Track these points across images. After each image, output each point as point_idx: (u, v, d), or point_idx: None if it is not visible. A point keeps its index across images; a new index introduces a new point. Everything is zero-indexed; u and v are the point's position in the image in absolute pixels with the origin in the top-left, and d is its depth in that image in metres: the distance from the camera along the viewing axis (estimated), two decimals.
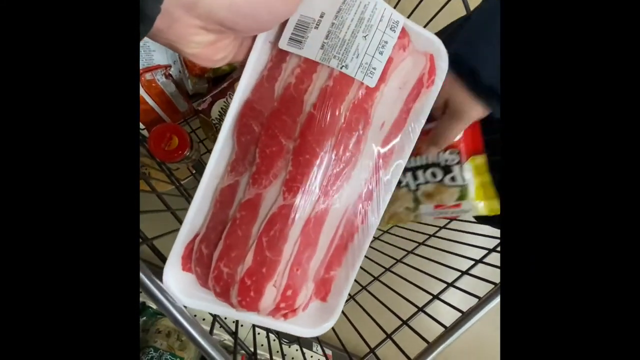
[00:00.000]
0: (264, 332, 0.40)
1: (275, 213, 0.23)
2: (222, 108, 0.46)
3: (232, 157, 0.25)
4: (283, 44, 0.24)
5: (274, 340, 0.41)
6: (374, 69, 0.24)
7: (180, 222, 0.26)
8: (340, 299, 0.28)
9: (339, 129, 0.24)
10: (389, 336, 0.33)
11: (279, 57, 0.24)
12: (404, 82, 0.26)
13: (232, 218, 0.24)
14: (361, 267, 0.47)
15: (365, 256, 0.48)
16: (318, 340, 0.38)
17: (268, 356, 0.35)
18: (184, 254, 0.25)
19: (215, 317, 0.33)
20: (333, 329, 0.37)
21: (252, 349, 0.35)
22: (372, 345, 0.33)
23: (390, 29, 0.24)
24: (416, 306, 0.35)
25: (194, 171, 0.69)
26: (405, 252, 0.48)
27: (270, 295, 0.24)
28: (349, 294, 0.41)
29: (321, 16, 0.23)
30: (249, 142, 0.24)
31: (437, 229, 0.51)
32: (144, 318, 0.70)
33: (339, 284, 0.28)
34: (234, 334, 0.32)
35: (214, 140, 0.54)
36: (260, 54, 0.25)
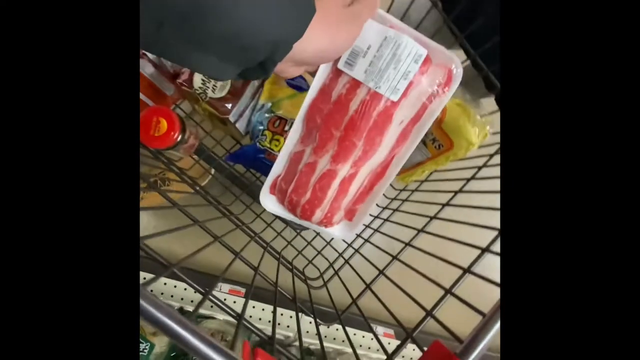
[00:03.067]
0: (288, 315, 0.42)
1: (325, 172, 0.40)
2: (203, 78, 0.45)
3: (302, 134, 0.40)
4: (341, 65, 0.36)
5: (310, 322, 0.41)
6: (399, 89, 0.35)
7: (190, 218, 0.38)
8: (360, 220, 0.45)
9: (369, 127, 0.37)
10: (449, 292, 0.30)
11: (336, 73, 0.37)
12: (422, 93, 0.37)
13: (299, 171, 0.41)
14: (395, 238, 0.46)
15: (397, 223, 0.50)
16: (364, 317, 0.36)
17: (310, 340, 0.36)
18: (271, 184, 0.44)
19: (205, 299, 0.27)
20: (386, 307, 0.35)
21: (267, 334, 0.34)
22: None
23: (415, 61, 0.34)
24: (462, 268, 0.32)
25: (197, 157, 0.64)
26: (428, 218, 0.45)
27: (318, 214, 0.43)
28: (385, 274, 0.42)
29: (368, 48, 0.34)
30: (312, 127, 0.39)
31: (465, 181, 0.46)
32: None
33: (360, 212, 0.45)
34: (239, 316, 0.30)
35: (204, 112, 0.54)
36: (325, 69, 0.37)
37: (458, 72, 0.37)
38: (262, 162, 0.63)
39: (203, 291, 0.29)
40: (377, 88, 0.35)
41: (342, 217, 0.45)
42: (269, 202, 0.45)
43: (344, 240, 0.53)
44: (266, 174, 0.69)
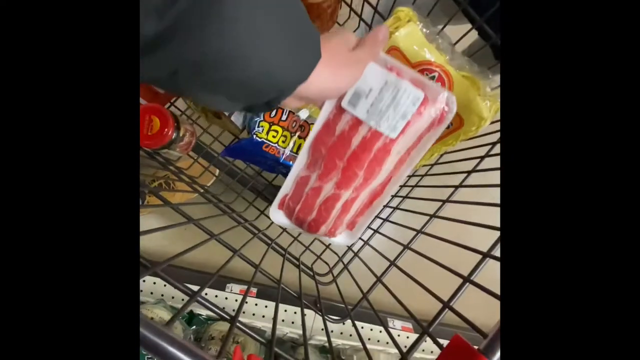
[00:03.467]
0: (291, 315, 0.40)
1: (329, 196, 0.44)
2: None
3: (308, 161, 0.44)
4: (344, 104, 0.38)
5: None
6: (397, 128, 0.38)
7: (185, 216, 0.42)
8: (359, 230, 0.50)
9: (369, 160, 0.40)
10: (467, 280, 0.28)
11: (339, 109, 0.39)
12: (419, 127, 0.40)
13: (306, 193, 0.45)
14: (406, 226, 0.50)
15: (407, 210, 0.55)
16: (374, 310, 0.36)
17: (326, 338, 0.33)
18: (280, 202, 0.48)
19: (193, 299, 0.27)
20: (397, 299, 0.35)
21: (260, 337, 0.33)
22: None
23: (412, 104, 0.37)
24: (481, 252, 0.29)
25: (195, 156, 0.62)
26: (441, 202, 0.44)
27: (323, 229, 0.48)
28: (396, 265, 0.46)
29: (370, 90, 0.37)
30: (317, 157, 0.42)
31: (478, 160, 0.43)
32: (194, 327, 0.67)
33: (360, 224, 0.50)
34: (232, 319, 0.28)
35: (196, 107, 0.56)
36: (329, 105, 0.40)
37: (452, 108, 0.39)
38: (261, 156, 0.61)
39: (190, 292, 0.28)
40: (377, 127, 0.38)
41: (344, 229, 0.50)
42: (277, 216, 0.50)
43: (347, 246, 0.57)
44: (266, 168, 0.72)
